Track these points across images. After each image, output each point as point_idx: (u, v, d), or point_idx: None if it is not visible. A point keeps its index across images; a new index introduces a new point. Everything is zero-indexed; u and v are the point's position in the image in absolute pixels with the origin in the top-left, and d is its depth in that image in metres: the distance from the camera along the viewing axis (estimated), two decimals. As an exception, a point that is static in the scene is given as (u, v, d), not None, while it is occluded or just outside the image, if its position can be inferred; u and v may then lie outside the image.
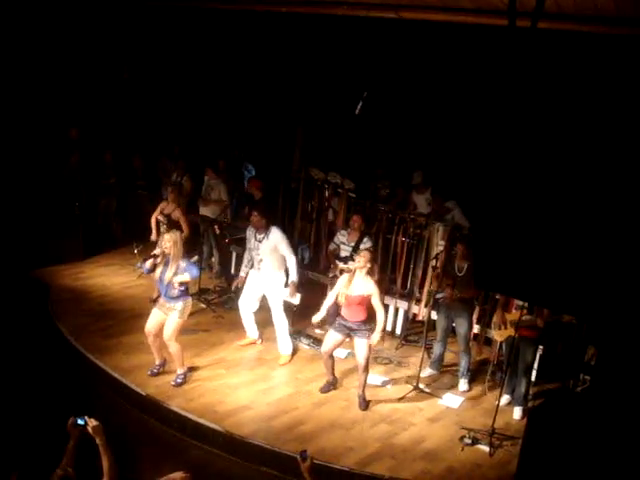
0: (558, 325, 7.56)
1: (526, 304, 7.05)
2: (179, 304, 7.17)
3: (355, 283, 7.13)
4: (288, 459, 6.28)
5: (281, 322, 8.26)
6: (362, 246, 8.47)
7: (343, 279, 7.26)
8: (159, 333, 7.28)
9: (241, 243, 9.94)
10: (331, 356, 7.57)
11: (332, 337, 7.34)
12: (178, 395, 7.16)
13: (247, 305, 8.38)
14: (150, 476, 4.30)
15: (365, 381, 7.35)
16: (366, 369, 7.26)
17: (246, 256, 8.45)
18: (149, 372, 7.46)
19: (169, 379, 7.39)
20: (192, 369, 7.70)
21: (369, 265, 7.16)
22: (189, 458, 6.43)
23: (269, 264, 8.11)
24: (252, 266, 8.30)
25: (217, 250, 10.54)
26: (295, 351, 8.47)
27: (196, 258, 10.45)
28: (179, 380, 7.35)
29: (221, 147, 11.86)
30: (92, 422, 4.20)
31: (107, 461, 4.16)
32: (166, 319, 7.21)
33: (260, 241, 8.09)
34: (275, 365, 8.14)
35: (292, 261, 8.11)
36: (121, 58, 11.98)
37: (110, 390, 7.36)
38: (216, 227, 9.97)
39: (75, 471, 4.01)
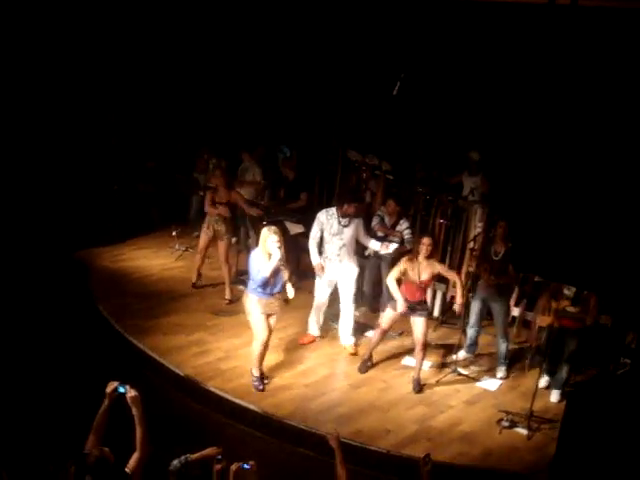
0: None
1: (572, 295, 6.98)
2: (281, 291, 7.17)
3: (421, 268, 7.21)
4: (325, 440, 6.32)
5: (350, 311, 8.10)
6: (398, 227, 8.60)
7: (400, 267, 7.27)
8: None
9: (277, 225, 9.92)
10: (384, 333, 7.59)
11: (391, 315, 7.40)
12: (217, 376, 7.25)
13: (322, 300, 8.19)
14: (183, 452, 4.37)
15: (422, 362, 7.40)
16: (424, 347, 7.31)
17: (315, 244, 8.01)
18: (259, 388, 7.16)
19: (208, 360, 7.50)
20: (231, 350, 7.80)
21: (429, 250, 7.18)
22: (224, 437, 6.48)
23: (349, 250, 7.97)
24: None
25: (254, 232, 10.55)
26: (329, 333, 8.44)
27: (234, 240, 10.50)
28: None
29: (259, 131, 11.84)
30: (131, 392, 4.28)
31: (141, 433, 4.24)
32: (272, 316, 7.12)
33: (346, 226, 7.88)
34: (312, 347, 8.17)
35: (368, 238, 8.17)
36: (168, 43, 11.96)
37: (149, 370, 7.47)
38: (254, 209, 9.97)
39: (110, 448, 4.05)
